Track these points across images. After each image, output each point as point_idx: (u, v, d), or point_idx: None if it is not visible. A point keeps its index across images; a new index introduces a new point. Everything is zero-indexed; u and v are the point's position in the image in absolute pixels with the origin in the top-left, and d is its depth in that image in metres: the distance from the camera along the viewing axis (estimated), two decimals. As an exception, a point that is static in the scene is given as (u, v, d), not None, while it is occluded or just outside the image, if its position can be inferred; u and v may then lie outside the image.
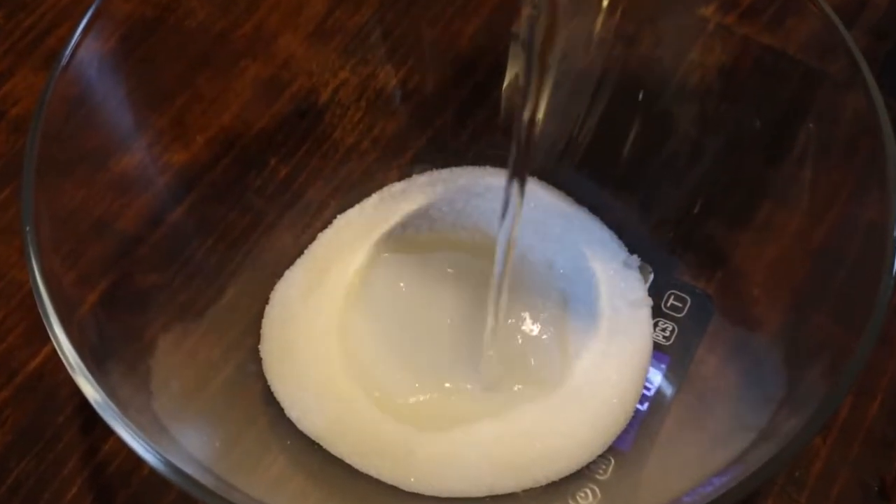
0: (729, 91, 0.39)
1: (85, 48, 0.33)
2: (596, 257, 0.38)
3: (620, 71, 0.41)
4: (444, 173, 0.41)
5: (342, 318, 0.37)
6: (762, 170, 0.37)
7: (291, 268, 0.39)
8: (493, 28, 0.43)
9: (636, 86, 0.40)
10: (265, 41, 0.41)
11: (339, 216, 0.40)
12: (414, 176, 0.41)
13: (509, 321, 0.36)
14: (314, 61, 0.41)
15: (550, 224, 0.39)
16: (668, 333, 0.37)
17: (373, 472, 0.34)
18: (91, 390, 0.27)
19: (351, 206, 0.40)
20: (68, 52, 0.31)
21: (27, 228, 0.28)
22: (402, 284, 0.38)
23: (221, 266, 0.38)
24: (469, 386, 0.35)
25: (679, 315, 0.37)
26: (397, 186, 0.41)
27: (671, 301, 0.37)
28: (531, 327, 0.37)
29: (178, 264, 0.37)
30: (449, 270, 0.38)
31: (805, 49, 0.35)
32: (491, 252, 0.33)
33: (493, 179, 0.40)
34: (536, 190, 0.39)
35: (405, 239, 0.39)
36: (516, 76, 0.40)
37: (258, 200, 0.39)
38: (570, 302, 0.37)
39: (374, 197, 0.40)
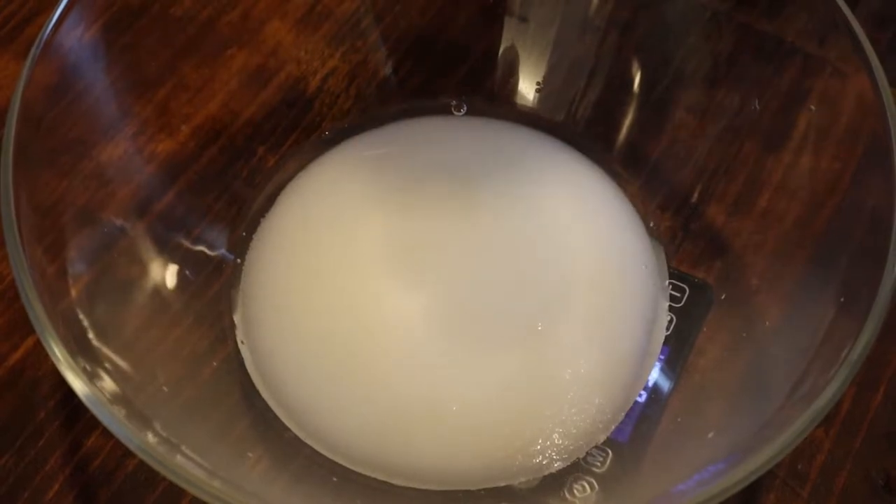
0: (728, 77, 0.39)
1: (66, 35, 0.32)
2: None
3: (616, 57, 0.40)
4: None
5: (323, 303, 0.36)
6: (762, 156, 0.37)
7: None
8: (485, 14, 0.42)
9: (633, 72, 0.40)
10: (252, 29, 0.40)
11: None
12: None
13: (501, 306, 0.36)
14: (302, 49, 0.41)
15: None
16: (666, 324, 0.36)
17: (361, 468, 0.33)
18: (79, 383, 0.26)
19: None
20: (44, 37, 0.31)
21: (7, 218, 0.28)
22: (382, 265, 0.36)
23: (208, 257, 0.37)
24: (462, 376, 0.34)
25: (677, 305, 0.36)
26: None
27: (669, 290, 0.37)
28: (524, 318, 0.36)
29: (163, 256, 0.36)
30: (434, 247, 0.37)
31: (805, 34, 0.35)
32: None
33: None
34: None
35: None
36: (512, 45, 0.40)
37: (245, 190, 0.39)
38: (567, 291, 0.36)
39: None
